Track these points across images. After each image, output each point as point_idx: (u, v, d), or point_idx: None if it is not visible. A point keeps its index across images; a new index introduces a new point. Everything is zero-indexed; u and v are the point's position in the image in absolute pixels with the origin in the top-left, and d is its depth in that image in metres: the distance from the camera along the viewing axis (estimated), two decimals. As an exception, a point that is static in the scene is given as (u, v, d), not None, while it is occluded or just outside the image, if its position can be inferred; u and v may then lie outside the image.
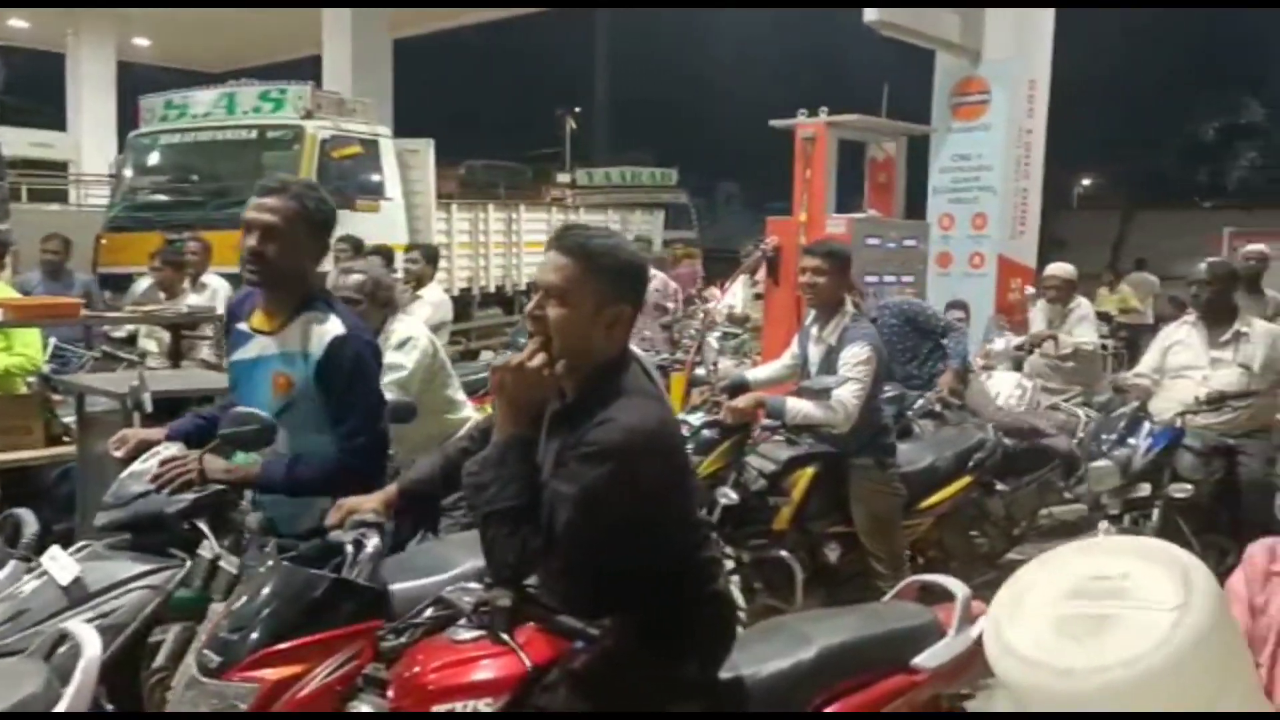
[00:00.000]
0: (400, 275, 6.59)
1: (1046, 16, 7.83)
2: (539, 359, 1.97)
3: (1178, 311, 6.30)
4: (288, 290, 2.70)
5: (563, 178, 20.35)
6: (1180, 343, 4.91)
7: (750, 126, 8.00)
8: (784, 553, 4.11)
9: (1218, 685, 1.56)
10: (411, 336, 3.97)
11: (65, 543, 2.53)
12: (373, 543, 2.16)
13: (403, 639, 2.04)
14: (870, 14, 6.89)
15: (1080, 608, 1.62)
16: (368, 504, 2.31)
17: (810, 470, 4.19)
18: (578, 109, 33.28)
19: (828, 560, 4.38)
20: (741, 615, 4.23)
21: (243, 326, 2.79)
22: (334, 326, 2.64)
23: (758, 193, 28.86)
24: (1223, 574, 4.86)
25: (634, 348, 2.15)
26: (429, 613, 2.07)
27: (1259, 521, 4.70)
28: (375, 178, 11.01)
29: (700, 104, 31.28)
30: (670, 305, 8.63)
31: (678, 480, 2.06)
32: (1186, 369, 4.80)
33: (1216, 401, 4.46)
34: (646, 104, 32.40)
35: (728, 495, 3.90)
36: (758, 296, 8.16)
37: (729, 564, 4.28)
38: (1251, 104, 24.45)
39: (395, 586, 2.20)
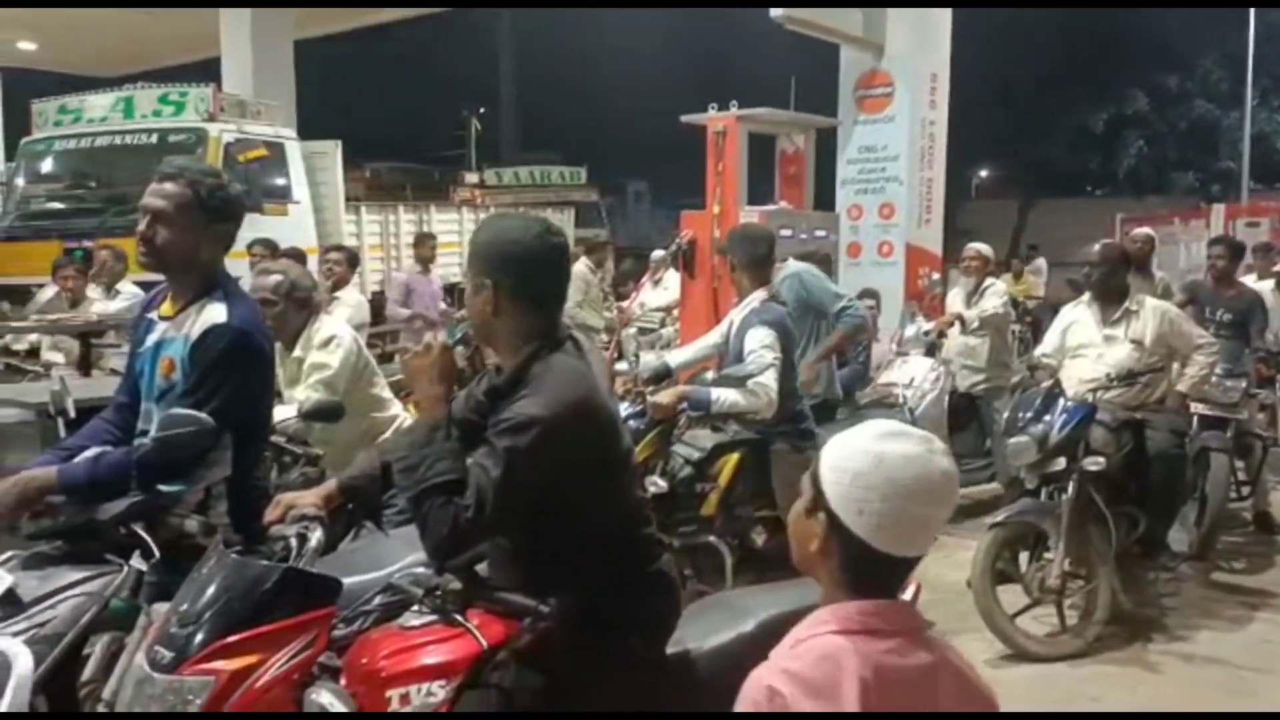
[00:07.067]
0: (318, 276, 6.51)
1: (945, 11, 8.09)
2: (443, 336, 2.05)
3: (1074, 293, 6.60)
4: (185, 277, 2.69)
5: (471, 178, 20.21)
6: (1076, 322, 5.12)
7: (657, 125, 8.09)
8: (713, 538, 4.18)
9: None
10: (335, 335, 3.93)
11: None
12: (315, 536, 2.15)
13: (354, 627, 2.05)
14: (777, 10, 7.04)
15: None
16: (307, 499, 2.29)
17: (735, 456, 4.27)
18: (482, 110, 33.06)
19: (754, 544, 4.47)
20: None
21: (151, 315, 2.78)
22: (216, 314, 2.61)
23: (667, 190, 28.99)
24: (1132, 543, 4.99)
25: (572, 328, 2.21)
26: (379, 600, 2.08)
27: (1165, 491, 4.93)
28: (281, 181, 10.78)
29: (607, 103, 31.29)
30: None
31: (608, 455, 2.08)
32: (1083, 347, 5.00)
33: (1127, 379, 4.64)
34: (553, 104, 32.27)
35: (656, 483, 3.97)
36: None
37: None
38: (1137, 95, 25.27)
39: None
